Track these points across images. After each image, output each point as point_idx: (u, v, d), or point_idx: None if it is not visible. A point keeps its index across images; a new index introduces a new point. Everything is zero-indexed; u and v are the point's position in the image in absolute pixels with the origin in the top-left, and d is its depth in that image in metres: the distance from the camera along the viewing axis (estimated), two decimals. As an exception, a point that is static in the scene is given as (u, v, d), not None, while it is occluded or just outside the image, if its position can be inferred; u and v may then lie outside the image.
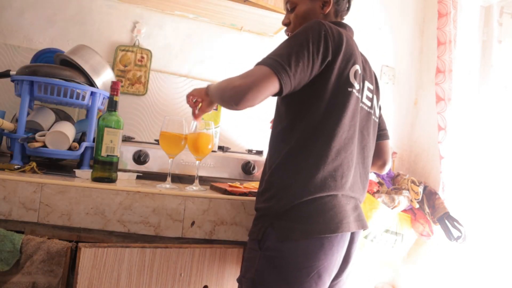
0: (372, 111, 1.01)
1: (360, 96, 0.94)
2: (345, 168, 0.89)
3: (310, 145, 0.86)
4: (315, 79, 0.86)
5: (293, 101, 0.90)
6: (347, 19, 1.06)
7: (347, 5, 1.04)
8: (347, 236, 0.90)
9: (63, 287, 0.92)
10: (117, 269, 0.94)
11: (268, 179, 0.90)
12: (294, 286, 0.83)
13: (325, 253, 0.84)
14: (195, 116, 1.08)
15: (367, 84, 0.98)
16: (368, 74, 1.00)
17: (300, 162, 0.86)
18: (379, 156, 1.12)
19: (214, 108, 1.55)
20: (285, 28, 1.08)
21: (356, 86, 0.91)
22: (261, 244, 0.87)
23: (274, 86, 0.79)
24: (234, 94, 0.79)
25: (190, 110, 1.09)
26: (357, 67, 0.92)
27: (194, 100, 1.07)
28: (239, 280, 0.93)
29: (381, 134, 1.12)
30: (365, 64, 1.01)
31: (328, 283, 0.89)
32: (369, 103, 0.99)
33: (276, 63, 0.79)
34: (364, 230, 0.96)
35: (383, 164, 1.14)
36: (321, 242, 0.84)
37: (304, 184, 0.85)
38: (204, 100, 1.03)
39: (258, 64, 0.82)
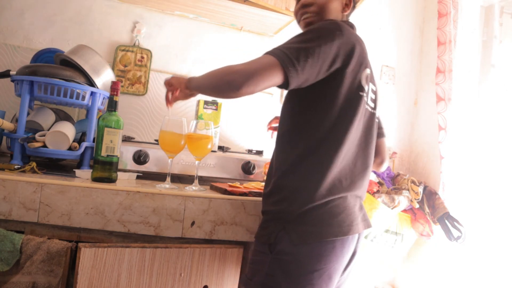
0: (375, 112, 1.02)
1: (366, 99, 0.94)
2: (353, 169, 0.91)
3: (322, 148, 0.87)
4: (328, 83, 0.86)
5: (307, 104, 0.90)
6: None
7: (354, 8, 1.04)
8: (356, 237, 0.91)
9: (63, 287, 0.92)
10: (117, 269, 0.94)
11: (278, 181, 0.90)
12: None
13: (336, 255, 0.86)
14: (168, 102, 1.04)
15: (371, 86, 0.98)
16: (373, 75, 1.00)
17: (312, 165, 0.86)
18: (378, 154, 1.13)
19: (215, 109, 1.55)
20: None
21: (366, 89, 0.92)
22: (272, 248, 0.86)
23: (278, 77, 0.78)
24: (236, 78, 0.77)
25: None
26: (368, 70, 0.92)
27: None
28: (244, 282, 0.91)
29: (379, 132, 1.12)
30: (370, 65, 1.01)
31: (336, 283, 0.90)
32: (372, 104, 0.99)
33: (284, 55, 0.78)
34: (368, 229, 0.98)
35: (382, 162, 1.15)
36: (333, 244, 0.85)
37: (316, 187, 0.85)
38: (182, 91, 1.00)
39: (266, 53, 0.81)
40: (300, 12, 1.02)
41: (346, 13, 1.01)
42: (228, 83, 0.79)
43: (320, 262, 0.84)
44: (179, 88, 1.00)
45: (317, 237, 0.84)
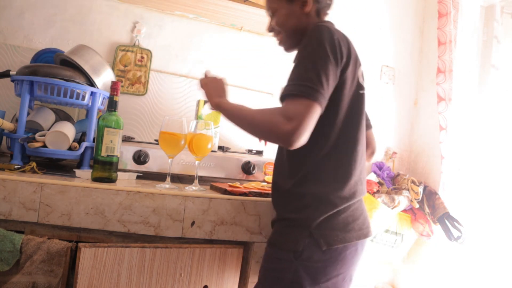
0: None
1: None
2: (364, 170, 0.93)
3: (339, 152, 0.87)
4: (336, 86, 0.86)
5: None
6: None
7: (329, 1, 0.98)
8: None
9: (63, 287, 0.92)
10: (117, 269, 0.94)
11: (294, 188, 0.89)
12: None
13: (358, 257, 0.89)
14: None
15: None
16: (362, 71, 1.01)
17: (333, 170, 0.87)
18: (369, 145, 1.12)
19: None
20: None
21: (363, 86, 0.94)
22: (297, 255, 0.85)
23: (318, 113, 0.79)
24: (286, 139, 0.76)
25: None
26: (361, 68, 0.94)
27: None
28: None
29: (367, 124, 1.10)
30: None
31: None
32: (363, 100, 0.99)
33: (311, 90, 0.78)
34: None
35: (373, 152, 1.14)
36: (356, 247, 0.88)
37: (339, 192, 0.86)
38: (211, 104, 1.00)
39: (292, 95, 0.79)
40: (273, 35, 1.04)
41: (307, 12, 0.95)
42: (277, 140, 0.80)
43: (344, 265, 0.86)
44: (208, 100, 1.02)
45: (342, 242, 0.85)
